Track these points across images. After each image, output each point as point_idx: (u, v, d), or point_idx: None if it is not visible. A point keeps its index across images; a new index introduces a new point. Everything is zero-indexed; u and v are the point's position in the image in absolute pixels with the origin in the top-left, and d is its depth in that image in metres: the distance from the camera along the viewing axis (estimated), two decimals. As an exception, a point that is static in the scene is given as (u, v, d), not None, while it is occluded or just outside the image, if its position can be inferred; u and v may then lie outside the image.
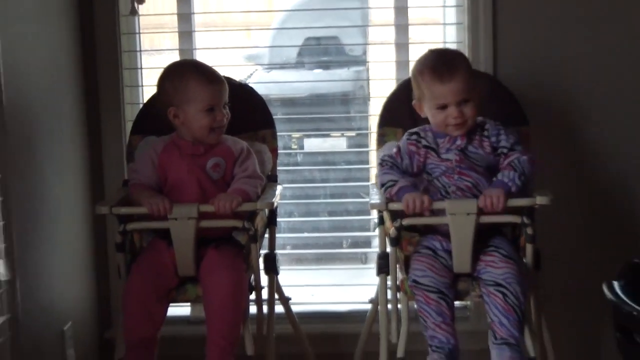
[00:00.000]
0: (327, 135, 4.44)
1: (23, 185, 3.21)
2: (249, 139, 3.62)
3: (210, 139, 3.42)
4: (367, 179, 4.21)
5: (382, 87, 4.16)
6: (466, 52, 3.82)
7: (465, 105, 3.29)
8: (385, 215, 3.39)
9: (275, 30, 4.57)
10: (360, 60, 4.47)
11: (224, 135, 3.49)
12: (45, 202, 3.43)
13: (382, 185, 3.33)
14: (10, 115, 3.07)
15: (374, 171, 4.19)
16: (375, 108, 4.17)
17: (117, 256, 3.37)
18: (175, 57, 3.98)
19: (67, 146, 3.71)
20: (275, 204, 3.47)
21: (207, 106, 3.38)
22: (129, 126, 3.83)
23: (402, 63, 3.98)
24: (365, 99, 4.37)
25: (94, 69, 3.89)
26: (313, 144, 4.46)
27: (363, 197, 4.27)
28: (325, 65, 4.51)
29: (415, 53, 3.96)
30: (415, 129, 3.42)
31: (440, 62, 3.33)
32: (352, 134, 4.45)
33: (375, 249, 4.25)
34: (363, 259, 4.49)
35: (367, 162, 4.24)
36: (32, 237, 3.28)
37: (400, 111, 3.64)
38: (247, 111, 3.67)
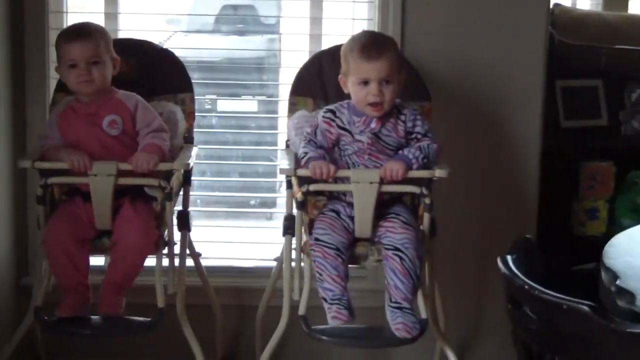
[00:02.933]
0: (240, 98, 4.40)
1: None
2: (167, 102, 3.57)
3: (83, 95, 3.36)
4: (276, 144, 4.19)
5: (293, 57, 4.12)
6: (375, 29, 3.78)
7: (387, 86, 3.26)
8: (294, 180, 3.37)
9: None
10: (274, 30, 4.42)
11: (118, 90, 3.42)
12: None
13: (299, 157, 3.34)
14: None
15: (282, 137, 4.17)
16: (286, 77, 4.14)
17: (38, 208, 3.31)
18: (100, 19, 3.87)
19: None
20: (191, 165, 3.43)
21: (69, 62, 3.33)
22: (52, 83, 3.74)
23: (315, 36, 3.92)
24: (277, 68, 4.32)
25: (21, 27, 3.77)
26: (226, 106, 4.41)
27: (272, 161, 4.24)
28: (241, 32, 4.45)
29: (328, 27, 3.95)
30: (332, 106, 3.40)
31: (370, 41, 3.30)
32: (264, 98, 4.40)
33: (280, 209, 4.24)
34: (269, 217, 4.47)
35: (276, 128, 4.20)
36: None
37: (311, 82, 3.63)
38: (167, 75, 3.62)
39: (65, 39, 3.34)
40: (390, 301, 3.17)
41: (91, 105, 3.37)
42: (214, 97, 4.33)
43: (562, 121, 3.92)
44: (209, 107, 4.33)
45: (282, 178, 4.22)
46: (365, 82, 3.26)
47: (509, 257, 2.45)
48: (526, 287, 2.29)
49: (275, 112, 4.25)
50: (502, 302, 3.73)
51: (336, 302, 3.15)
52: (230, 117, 4.30)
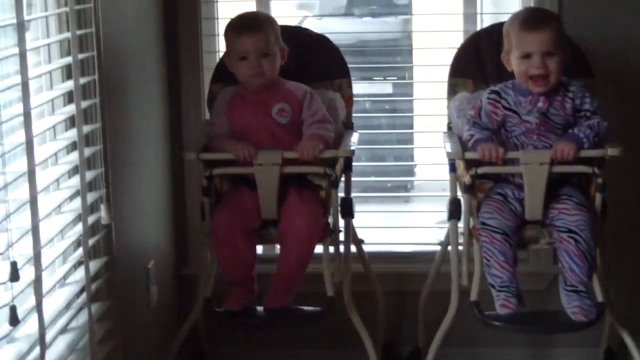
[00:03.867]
0: (381, 81, 4.32)
1: (115, 132, 3.08)
2: (324, 88, 3.51)
3: (253, 86, 3.31)
4: (411, 127, 4.13)
5: (426, 38, 4.10)
6: (532, 4, 3.65)
7: (550, 58, 3.15)
8: (458, 163, 3.29)
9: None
10: (407, 11, 4.32)
11: (287, 81, 3.38)
12: (134, 148, 3.31)
13: (465, 141, 3.27)
14: (106, 65, 2.94)
15: (418, 120, 4.09)
16: (419, 59, 4.09)
17: (203, 200, 3.28)
18: (251, 6, 3.83)
19: (151, 94, 3.58)
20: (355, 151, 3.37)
21: (240, 55, 3.28)
22: (206, 74, 3.71)
23: (470, 15, 3.81)
24: (410, 50, 4.21)
25: (174, 18, 3.73)
26: (360, 89, 4.32)
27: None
28: (373, 14, 4.37)
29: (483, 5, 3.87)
30: (496, 87, 3.30)
31: (532, 14, 3.25)
32: (397, 80, 4.31)
33: (416, 193, 4.26)
34: (406, 200, 4.39)
35: (411, 111, 4.14)
36: (123, 182, 3.17)
37: (470, 62, 3.54)
38: (324, 61, 3.56)
39: (236, 31, 3.29)
40: (566, 284, 3.08)
41: (261, 94, 3.32)
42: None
43: None
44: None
45: (418, 161, 4.19)
46: (527, 56, 3.16)
47: None
48: None
49: (410, 94, 4.16)
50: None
51: (504, 289, 3.08)
52: (368, 100, 4.23)
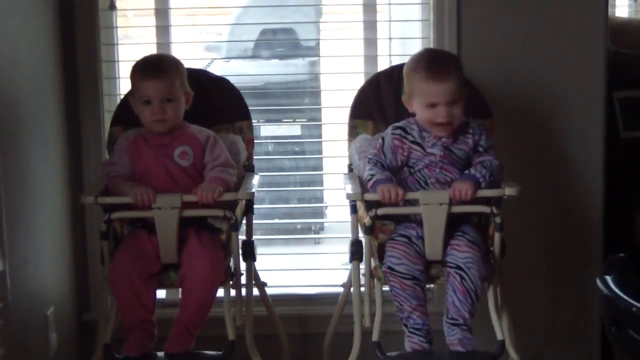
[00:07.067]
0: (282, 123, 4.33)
1: (10, 176, 3.04)
2: (225, 131, 3.50)
3: (155, 130, 3.28)
4: (321, 168, 4.14)
5: (334, 80, 4.13)
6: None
7: (454, 106, 3.18)
8: (359, 204, 3.29)
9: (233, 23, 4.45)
10: (314, 53, 4.35)
11: (190, 124, 3.35)
12: (30, 191, 3.26)
13: (365, 180, 3.26)
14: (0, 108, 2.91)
15: (326, 161, 4.11)
16: (327, 100, 4.11)
17: (102, 244, 3.23)
18: (151, 50, 3.81)
19: (50, 138, 3.54)
20: (255, 194, 3.35)
21: (144, 99, 3.25)
22: (107, 117, 3.68)
23: (370, 58, 3.85)
24: (318, 91, 4.23)
25: (73, 61, 3.70)
26: (269, 131, 4.33)
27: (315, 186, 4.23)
28: (281, 57, 4.38)
29: (383, 49, 3.89)
30: (400, 124, 3.30)
31: (434, 62, 3.21)
32: (306, 122, 4.33)
33: (329, 234, 4.28)
34: (317, 242, 4.40)
35: (319, 152, 4.17)
36: (18, 227, 3.12)
37: (370, 104, 3.55)
38: (224, 103, 3.55)
39: (141, 75, 3.26)
40: (447, 317, 3.14)
41: (163, 137, 3.30)
42: (256, 122, 4.25)
43: (622, 132, 3.83)
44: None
45: (328, 202, 4.19)
46: (433, 105, 3.18)
47: (608, 278, 2.34)
48: (634, 309, 2.19)
49: (318, 136, 4.17)
50: (569, 321, 3.76)
51: (417, 332, 3.14)
52: (275, 142, 4.23)
